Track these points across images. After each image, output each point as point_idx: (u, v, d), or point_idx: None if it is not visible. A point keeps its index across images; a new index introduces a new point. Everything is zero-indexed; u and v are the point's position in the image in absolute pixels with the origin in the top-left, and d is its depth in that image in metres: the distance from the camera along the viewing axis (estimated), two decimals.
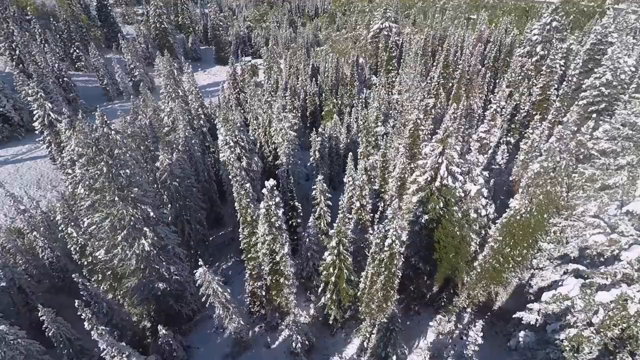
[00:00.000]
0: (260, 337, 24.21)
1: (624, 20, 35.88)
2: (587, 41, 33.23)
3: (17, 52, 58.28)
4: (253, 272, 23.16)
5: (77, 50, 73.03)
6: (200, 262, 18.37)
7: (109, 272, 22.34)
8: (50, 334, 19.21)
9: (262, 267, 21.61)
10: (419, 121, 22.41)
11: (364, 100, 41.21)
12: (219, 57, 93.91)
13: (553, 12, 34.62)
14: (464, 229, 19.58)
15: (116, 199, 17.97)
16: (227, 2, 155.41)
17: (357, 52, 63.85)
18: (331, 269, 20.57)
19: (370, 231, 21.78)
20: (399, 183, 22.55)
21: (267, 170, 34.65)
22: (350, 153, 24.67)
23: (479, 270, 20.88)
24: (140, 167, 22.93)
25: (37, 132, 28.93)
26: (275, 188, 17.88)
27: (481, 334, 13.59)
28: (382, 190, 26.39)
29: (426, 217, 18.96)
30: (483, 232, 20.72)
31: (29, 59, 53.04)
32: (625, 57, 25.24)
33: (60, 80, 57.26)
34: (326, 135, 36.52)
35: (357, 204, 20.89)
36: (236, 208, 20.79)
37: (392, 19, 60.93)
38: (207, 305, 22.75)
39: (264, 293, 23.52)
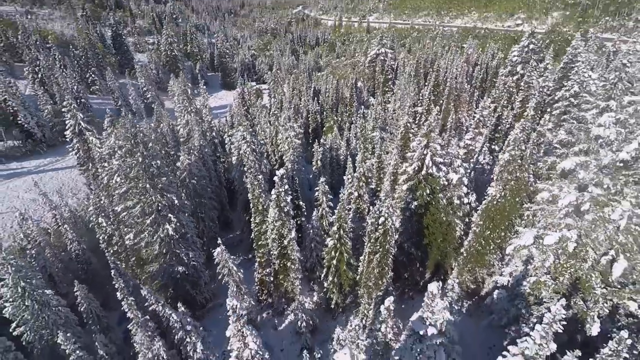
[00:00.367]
0: (268, 321, 26.41)
1: (593, 43, 40.04)
2: (561, 60, 37.00)
3: (40, 75, 62.79)
4: (262, 260, 25.64)
5: (92, 75, 77.73)
6: (219, 241, 21.01)
7: (133, 259, 24.89)
8: (82, 309, 21.54)
9: (271, 253, 24.16)
10: (408, 125, 25.61)
11: (362, 116, 44.81)
12: (225, 82, 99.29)
13: (530, 36, 38.74)
14: (449, 215, 22.34)
15: (147, 186, 20.88)
16: (232, 33, 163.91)
17: (356, 75, 68.36)
18: (333, 252, 23.13)
19: (368, 220, 24.48)
20: (392, 178, 25.44)
21: (273, 177, 37.62)
22: (350, 158, 27.82)
23: (465, 255, 23.47)
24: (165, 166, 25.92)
25: (67, 139, 32.08)
26: (284, 177, 20.83)
27: (458, 289, 15.74)
28: (378, 189, 29.28)
29: (415, 203, 21.76)
30: (467, 219, 23.45)
31: (52, 81, 57.30)
32: (589, 72, 28.84)
33: (78, 101, 61.27)
34: (327, 146, 39.73)
35: (355, 194, 23.75)
36: (249, 198, 23.60)
37: (388, 45, 65.79)
38: (219, 294, 25.20)
39: (272, 279, 25.90)
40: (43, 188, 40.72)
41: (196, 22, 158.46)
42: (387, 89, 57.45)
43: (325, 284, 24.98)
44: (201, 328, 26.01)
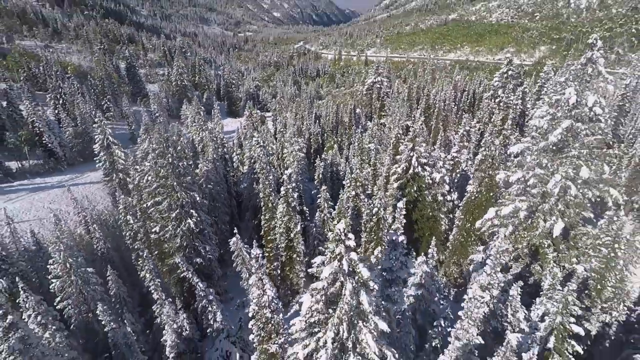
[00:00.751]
0: None
1: (566, 69, 44.81)
2: (537, 84, 41.46)
3: (61, 101, 67.77)
4: (270, 255, 28.65)
5: (107, 102, 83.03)
6: (235, 231, 24.23)
7: (156, 252, 27.93)
8: (112, 293, 24.43)
9: (279, 247, 27.27)
10: (399, 135, 29.39)
11: (360, 133, 48.93)
12: (230, 110, 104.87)
13: (508, 64, 43.53)
14: (434, 210, 25.66)
15: (174, 184, 24.37)
16: (237, 66, 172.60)
17: (354, 102, 73.43)
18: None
19: (364, 216, 27.77)
20: (385, 180, 28.92)
21: (279, 187, 41.19)
22: (349, 169, 31.49)
23: (450, 247, 26.63)
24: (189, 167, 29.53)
25: (82, 159, 35.92)
26: (292, 175, 24.37)
27: (435, 256, 18.53)
28: (374, 195, 32.71)
29: (405, 199, 25.14)
30: (451, 215, 26.76)
31: (74, 106, 62.04)
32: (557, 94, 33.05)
33: (92, 126, 65.90)
34: (328, 161, 43.47)
35: (353, 193, 27.19)
36: (260, 197, 27.02)
37: (384, 74, 71.25)
38: (229, 290, 28.04)
39: (279, 272, 28.79)
40: (67, 199, 44.30)
41: (203, 55, 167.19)
42: (382, 114, 62.09)
43: None
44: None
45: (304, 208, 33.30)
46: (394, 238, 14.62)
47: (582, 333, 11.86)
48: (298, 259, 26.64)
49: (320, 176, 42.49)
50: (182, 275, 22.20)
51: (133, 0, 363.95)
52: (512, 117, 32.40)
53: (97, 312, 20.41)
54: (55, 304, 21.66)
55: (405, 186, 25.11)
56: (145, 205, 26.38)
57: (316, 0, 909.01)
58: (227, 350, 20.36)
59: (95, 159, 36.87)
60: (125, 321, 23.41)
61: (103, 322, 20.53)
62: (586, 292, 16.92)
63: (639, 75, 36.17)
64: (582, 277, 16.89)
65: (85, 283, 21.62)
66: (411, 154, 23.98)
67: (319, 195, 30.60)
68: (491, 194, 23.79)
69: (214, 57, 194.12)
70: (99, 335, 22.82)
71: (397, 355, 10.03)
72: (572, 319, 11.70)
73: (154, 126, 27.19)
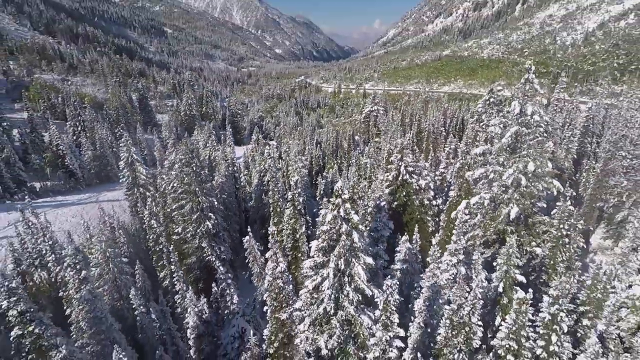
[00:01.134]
0: None
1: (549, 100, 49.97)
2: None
3: (79, 128, 72.90)
4: None
5: (121, 130, 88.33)
6: (249, 229, 27.86)
7: (176, 252, 31.33)
8: (138, 285, 27.67)
9: (285, 247, 30.72)
10: (391, 150, 33.52)
11: (357, 155, 53.34)
12: (235, 139, 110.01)
13: (490, 92, 48.56)
14: (422, 214, 29.40)
15: (197, 189, 28.29)
16: (241, 98, 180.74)
17: (353, 129, 78.58)
18: None
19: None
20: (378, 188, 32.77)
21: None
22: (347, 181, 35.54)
23: (437, 247, 30.09)
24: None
25: (121, 169, 39.97)
26: (298, 182, 28.32)
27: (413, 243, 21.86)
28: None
29: (395, 203, 28.97)
30: (437, 218, 30.45)
31: (93, 132, 67.00)
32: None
33: (112, 149, 70.64)
34: (329, 179, 47.53)
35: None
36: (270, 202, 30.82)
37: (380, 104, 76.83)
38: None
39: None
40: (87, 214, 48.02)
41: (210, 88, 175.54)
42: (378, 139, 66.89)
43: None
44: None
45: (308, 217, 36.97)
46: (378, 203, 18.36)
47: (525, 281, 15.34)
48: (302, 258, 29.99)
49: (322, 192, 46.44)
50: (206, 258, 25.52)
51: (142, 37, 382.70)
52: (491, 137, 36.78)
53: (130, 296, 23.71)
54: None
55: (395, 192, 28.97)
56: (168, 210, 30.15)
57: (316, 38, 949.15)
58: (243, 327, 23.45)
59: (119, 174, 40.87)
60: (150, 309, 26.57)
61: (134, 306, 23.77)
62: (543, 268, 20.47)
63: (605, 103, 41.05)
64: (541, 256, 20.55)
65: (119, 272, 25.01)
66: (400, 163, 28.02)
67: (321, 206, 34.41)
68: (469, 195, 27.66)
69: (219, 90, 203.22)
70: (128, 321, 25.91)
71: (379, 293, 13.56)
72: (517, 270, 15.18)
73: (180, 140, 31.36)
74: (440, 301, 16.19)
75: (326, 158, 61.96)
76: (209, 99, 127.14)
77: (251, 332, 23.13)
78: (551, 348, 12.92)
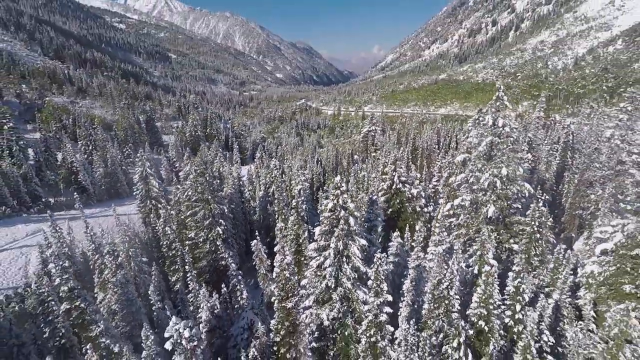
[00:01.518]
0: None
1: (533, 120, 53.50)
2: None
3: (90, 147, 76.37)
4: None
5: (129, 150, 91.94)
6: (257, 233, 30.48)
7: (187, 259, 33.78)
8: (155, 285, 30.03)
9: (289, 252, 33.17)
10: (386, 163, 36.51)
11: (356, 171, 56.31)
12: (233, 162, 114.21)
13: (479, 112, 52.09)
14: (415, 220, 32.11)
15: (209, 197, 31.12)
16: (243, 120, 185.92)
17: (352, 148, 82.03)
18: None
19: None
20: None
21: None
22: None
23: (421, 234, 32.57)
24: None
25: (135, 182, 42.88)
26: (301, 191, 31.17)
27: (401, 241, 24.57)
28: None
29: (390, 210, 31.72)
30: (429, 225, 33.11)
31: (105, 150, 70.37)
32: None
33: (120, 168, 73.87)
34: (330, 192, 50.37)
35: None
36: (276, 210, 33.55)
37: (378, 124, 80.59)
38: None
39: None
40: (100, 227, 50.53)
41: (213, 110, 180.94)
42: (375, 154, 70.17)
43: None
44: None
45: (310, 227, 39.57)
46: (370, 197, 21.13)
47: (496, 264, 17.96)
48: (305, 261, 32.46)
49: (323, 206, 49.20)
50: (219, 256, 28.01)
51: (147, 62, 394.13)
52: None
53: (149, 292, 26.09)
54: None
55: (390, 199, 31.79)
56: (182, 217, 32.86)
57: (316, 63, 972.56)
58: (251, 319, 25.70)
59: (134, 188, 43.73)
60: (165, 307, 28.86)
61: (152, 302, 26.13)
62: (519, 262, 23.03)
63: (587, 123, 44.48)
64: (517, 252, 23.19)
65: (139, 271, 27.51)
66: (394, 174, 30.98)
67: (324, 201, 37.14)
68: (453, 199, 30.45)
69: (222, 112, 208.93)
70: (139, 323, 28.15)
71: (371, 272, 16.20)
72: (490, 255, 17.81)
73: (196, 153, 34.47)
74: (425, 288, 18.73)
75: (326, 174, 64.94)
76: (213, 120, 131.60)
77: (259, 323, 25.36)
78: (516, 316, 15.46)
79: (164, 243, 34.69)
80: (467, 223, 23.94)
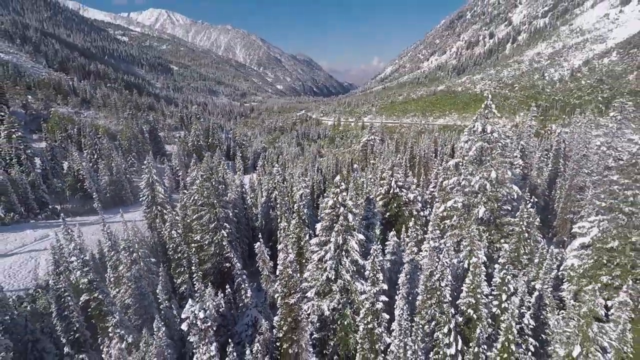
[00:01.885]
0: None
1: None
2: None
3: (96, 156, 78.05)
4: None
5: (132, 159, 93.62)
6: (260, 236, 31.78)
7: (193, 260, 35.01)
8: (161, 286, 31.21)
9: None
10: (383, 169, 37.96)
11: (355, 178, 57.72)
12: (237, 170, 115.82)
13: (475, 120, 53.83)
14: (416, 232, 33.42)
15: (215, 202, 32.52)
16: (244, 130, 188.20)
17: (352, 157, 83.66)
18: None
19: None
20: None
21: None
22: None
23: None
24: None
25: (142, 189, 44.31)
26: (303, 195, 32.57)
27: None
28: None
29: (388, 214, 33.08)
30: (425, 228, 34.40)
31: (110, 159, 72.03)
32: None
33: (126, 176, 75.45)
34: (330, 191, 51.75)
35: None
36: (278, 214, 34.90)
37: (377, 134, 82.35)
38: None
39: None
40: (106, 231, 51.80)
41: (215, 121, 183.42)
42: (374, 161, 71.74)
43: None
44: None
45: (311, 232, 40.85)
46: (368, 196, 22.54)
47: (484, 258, 19.26)
48: (306, 263, 33.67)
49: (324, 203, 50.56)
50: (225, 255, 29.26)
51: (149, 74, 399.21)
52: None
53: (157, 291, 27.31)
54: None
55: (388, 203, 33.20)
56: (188, 221, 34.22)
57: (316, 74, 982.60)
58: (255, 317, 26.86)
59: (140, 194, 45.17)
60: (172, 305, 30.02)
61: (160, 300, 27.33)
62: (510, 260, 24.33)
63: (577, 131, 46.06)
64: (508, 251, 24.51)
65: (148, 271, 28.75)
66: (391, 179, 32.46)
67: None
68: (447, 201, 31.82)
69: (223, 123, 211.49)
70: (150, 316, 29.31)
71: (368, 264, 17.53)
72: (481, 251, 19.09)
73: (200, 160, 36.01)
74: (420, 284, 20.01)
75: (326, 182, 66.36)
76: (215, 130, 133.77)
77: (263, 320, 26.49)
78: (503, 305, 16.74)
79: (170, 246, 35.95)
80: (460, 224, 25.31)
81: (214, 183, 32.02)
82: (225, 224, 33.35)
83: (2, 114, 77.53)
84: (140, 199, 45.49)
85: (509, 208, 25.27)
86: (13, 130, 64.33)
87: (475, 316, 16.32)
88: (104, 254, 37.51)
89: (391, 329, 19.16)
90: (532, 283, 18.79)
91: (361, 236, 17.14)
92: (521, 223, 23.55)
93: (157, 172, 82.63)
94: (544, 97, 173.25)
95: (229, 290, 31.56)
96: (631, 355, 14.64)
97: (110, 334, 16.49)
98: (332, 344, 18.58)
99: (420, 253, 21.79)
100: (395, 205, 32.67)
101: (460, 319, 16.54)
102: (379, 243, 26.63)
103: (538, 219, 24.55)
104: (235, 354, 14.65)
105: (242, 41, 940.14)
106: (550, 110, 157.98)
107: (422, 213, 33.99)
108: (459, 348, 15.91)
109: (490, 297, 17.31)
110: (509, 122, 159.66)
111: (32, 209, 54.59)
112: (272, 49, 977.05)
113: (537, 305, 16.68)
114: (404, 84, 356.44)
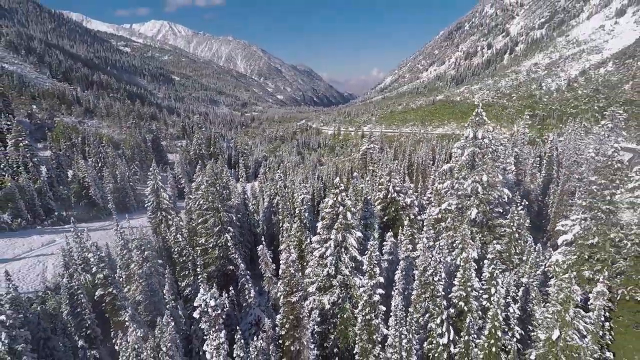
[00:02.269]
0: None
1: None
2: None
3: (100, 164, 79.57)
4: None
5: (135, 167, 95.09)
6: (262, 239, 32.95)
7: (198, 262, 36.12)
8: (166, 289, 32.26)
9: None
10: (382, 175, 39.28)
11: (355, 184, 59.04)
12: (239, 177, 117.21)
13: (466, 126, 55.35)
14: (411, 230, 34.63)
15: (219, 206, 33.77)
16: (245, 140, 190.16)
17: (351, 166, 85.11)
18: None
19: None
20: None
21: None
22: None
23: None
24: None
25: (148, 195, 45.57)
26: (304, 200, 33.83)
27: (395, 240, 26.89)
28: None
29: (386, 218, 34.29)
30: (422, 231, 35.57)
31: (114, 167, 73.45)
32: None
33: (129, 183, 76.80)
34: (330, 192, 52.96)
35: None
36: (280, 218, 36.10)
37: (376, 142, 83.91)
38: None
39: None
40: (111, 238, 52.92)
41: (217, 130, 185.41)
42: (372, 168, 73.13)
43: None
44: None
45: (312, 236, 41.99)
46: (365, 197, 23.82)
47: (476, 256, 20.43)
48: (307, 266, 34.76)
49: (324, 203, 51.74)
50: (230, 256, 30.40)
51: (151, 84, 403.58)
52: None
53: (164, 291, 28.40)
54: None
55: (386, 208, 34.44)
56: (193, 225, 35.42)
57: (317, 85, 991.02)
58: (258, 315, 27.91)
59: (145, 200, 46.43)
60: (177, 306, 31.05)
61: (166, 299, 28.39)
62: (502, 260, 25.50)
63: (569, 140, 47.66)
64: (500, 251, 25.68)
65: (155, 271, 29.85)
66: (389, 184, 33.76)
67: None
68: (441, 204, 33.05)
69: (224, 132, 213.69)
70: (160, 313, 30.32)
71: (365, 259, 18.72)
72: (472, 249, 20.27)
73: (205, 166, 37.40)
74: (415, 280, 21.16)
75: (327, 190, 67.63)
76: (217, 139, 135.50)
77: (266, 319, 27.54)
78: (492, 298, 17.89)
79: (175, 249, 37.05)
80: (454, 225, 26.52)
81: (218, 188, 33.31)
82: (229, 227, 34.53)
83: (9, 123, 79.39)
84: (145, 205, 46.69)
85: (501, 210, 26.52)
86: (20, 138, 65.85)
87: (466, 308, 17.45)
88: (110, 256, 38.67)
89: (388, 324, 20.30)
90: (522, 279, 19.93)
91: (359, 233, 18.38)
92: (512, 224, 24.80)
93: (160, 179, 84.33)
94: (542, 107, 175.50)
95: (233, 291, 32.67)
96: (609, 342, 15.78)
97: (127, 324, 17.57)
98: (332, 337, 19.65)
99: (415, 252, 22.95)
100: (393, 209, 33.91)
101: (453, 311, 17.68)
102: (376, 240, 27.87)
103: (528, 221, 25.81)
104: (243, 340, 15.60)
105: (243, 52, 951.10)
106: (547, 119, 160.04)
107: (419, 217, 35.18)
108: (451, 338, 17.01)
109: (481, 291, 18.47)
110: (507, 130, 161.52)
111: (39, 215, 55.77)
112: (273, 59, 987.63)
113: (524, 298, 17.82)
114: (404, 93, 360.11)
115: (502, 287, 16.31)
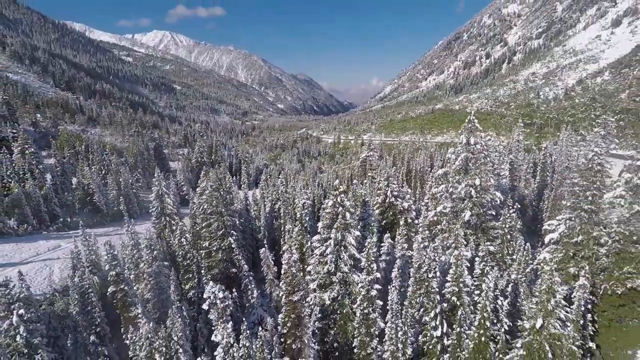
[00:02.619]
0: None
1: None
2: None
3: (104, 171, 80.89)
4: None
5: (138, 174, 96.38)
6: (265, 242, 34.01)
7: (202, 264, 37.12)
8: (172, 289, 33.24)
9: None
10: (380, 181, 40.47)
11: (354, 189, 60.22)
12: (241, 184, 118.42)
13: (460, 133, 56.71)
14: (407, 230, 35.72)
15: (223, 210, 34.90)
16: (245, 148, 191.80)
17: (351, 173, 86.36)
18: None
19: None
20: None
21: None
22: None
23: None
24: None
25: (152, 201, 46.69)
26: (305, 205, 34.98)
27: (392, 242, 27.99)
28: None
29: (385, 222, 35.39)
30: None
31: (118, 174, 74.71)
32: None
33: (132, 190, 78.02)
34: (330, 193, 54.07)
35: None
36: (281, 222, 37.20)
37: (376, 150, 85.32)
38: None
39: None
40: (115, 243, 53.93)
41: (218, 138, 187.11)
42: (371, 174, 74.37)
43: None
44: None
45: (312, 243, 43.04)
46: (363, 199, 24.98)
47: (469, 255, 21.52)
48: (307, 268, 35.77)
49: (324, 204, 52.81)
50: (234, 258, 31.43)
51: (152, 93, 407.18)
52: None
53: (170, 291, 29.40)
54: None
55: (384, 212, 35.57)
56: (197, 229, 36.51)
57: (317, 94, 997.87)
58: (261, 315, 28.87)
59: (149, 204, 47.56)
60: (182, 307, 31.98)
61: (172, 298, 29.37)
62: (496, 261, 26.57)
63: (562, 147, 49.06)
64: (493, 252, 26.76)
65: (161, 273, 30.87)
66: (387, 189, 34.94)
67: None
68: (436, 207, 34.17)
69: (225, 141, 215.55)
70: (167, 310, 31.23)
71: (363, 256, 19.80)
72: (465, 249, 21.37)
73: (209, 171, 38.65)
74: (411, 279, 22.22)
75: (327, 196, 68.79)
76: (218, 147, 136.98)
77: (268, 318, 28.48)
78: (483, 294, 18.95)
79: (179, 253, 38.07)
80: (449, 228, 27.64)
81: (222, 193, 34.48)
82: (232, 231, 35.62)
83: (15, 131, 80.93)
84: (150, 210, 47.76)
85: (494, 213, 27.68)
86: (26, 146, 67.28)
87: (458, 303, 18.50)
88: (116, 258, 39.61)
89: (386, 319, 21.31)
90: (511, 276, 21.00)
91: (357, 232, 19.50)
92: (504, 226, 25.94)
93: (164, 185, 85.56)
94: (539, 115, 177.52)
95: (236, 293, 33.62)
96: (592, 333, 16.82)
97: (140, 317, 18.61)
98: (332, 332, 20.64)
99: (411, 252, 24.03)
100: (391, 213, 35.03)
101: (446, 306, 18.72)
102: (374, 238, 28.95)
103: (520, 223, 26.95)
104: (249, 331, 16.65)
105: (243, 61, 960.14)
106: (545, 127, 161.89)
107: (416, 221, 36.27)
108: (444, 331, 18.04)
109: (473, 287, 19.53)
110: (505, 139, 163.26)
111: (44, 221, 56.87)
112: (273, 69, 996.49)
113: (513, 294, 18.87)
114: (403, 102, 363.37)
115: (491, 282, 17.36)
